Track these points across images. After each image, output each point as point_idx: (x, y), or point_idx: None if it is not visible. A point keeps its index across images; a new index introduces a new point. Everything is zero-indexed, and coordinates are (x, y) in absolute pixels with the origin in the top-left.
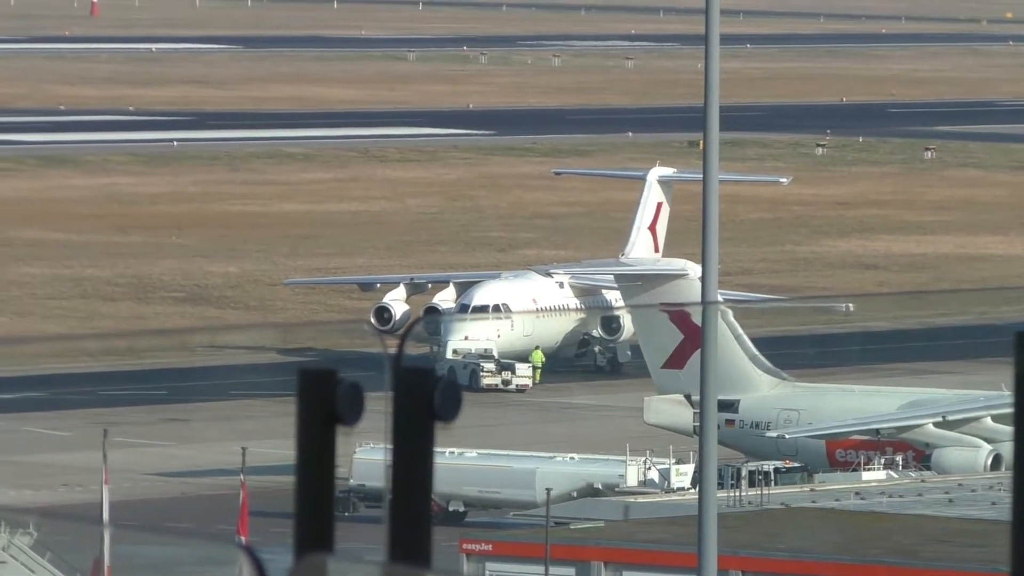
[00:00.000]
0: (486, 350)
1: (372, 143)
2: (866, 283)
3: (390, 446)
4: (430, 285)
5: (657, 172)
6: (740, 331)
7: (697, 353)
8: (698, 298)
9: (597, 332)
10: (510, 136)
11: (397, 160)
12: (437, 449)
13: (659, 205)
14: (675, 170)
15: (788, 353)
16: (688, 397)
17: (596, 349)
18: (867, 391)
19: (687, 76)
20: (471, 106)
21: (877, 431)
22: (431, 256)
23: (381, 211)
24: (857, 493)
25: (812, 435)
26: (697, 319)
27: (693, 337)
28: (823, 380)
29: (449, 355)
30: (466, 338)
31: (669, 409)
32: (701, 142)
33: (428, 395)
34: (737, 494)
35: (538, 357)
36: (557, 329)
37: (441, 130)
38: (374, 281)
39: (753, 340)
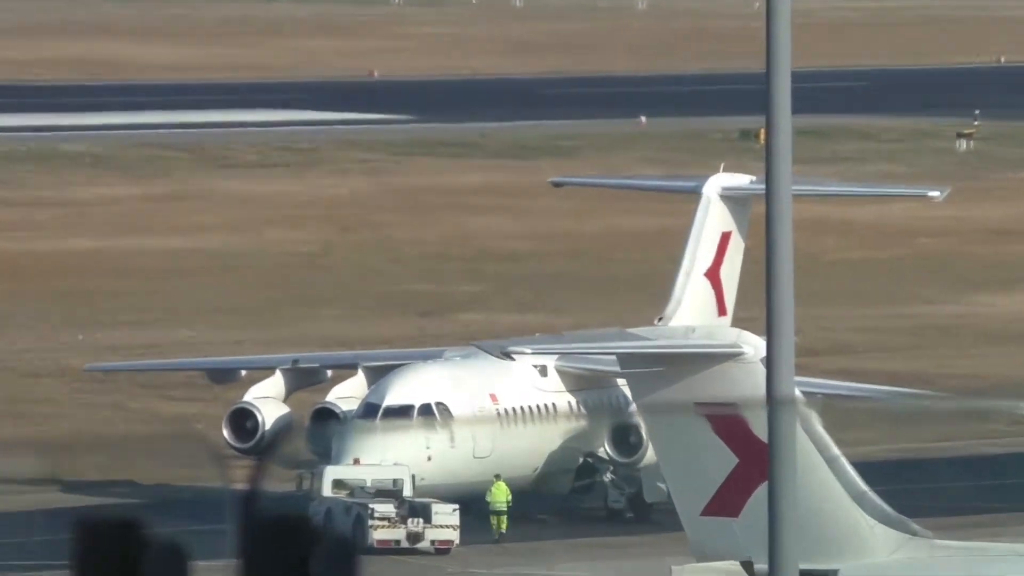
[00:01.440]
0: (395, 481)
1: (211, 137)
2: None
3: None
4: (330, 373)
5: (721, 181)
6: (836, 451)
7: (762, 488)
8: (762, 391)
9: (606, 451)
10: (441, 124)
11: (252, 165)
12: None
13: (725, 237)
14: (753, 178)
15: (924, 489)
16: (749, 565)
17: (606, 480)
18: None
19: (732, 23)
20: (376, 74)
21: None
22: (308, 325)
23: (223, 250)
24: None
25: None
26: (760, 429)
27: (754, 460)
28: (985, 536)
29: (327, 491)
30: (356, 461)
31: None
32: (762, 132)
33: (300, 563)
34: None
35: (500, 494)
36: (535, 447)
37: (327, 114)
38: (235, 366)
39: (858, 466)
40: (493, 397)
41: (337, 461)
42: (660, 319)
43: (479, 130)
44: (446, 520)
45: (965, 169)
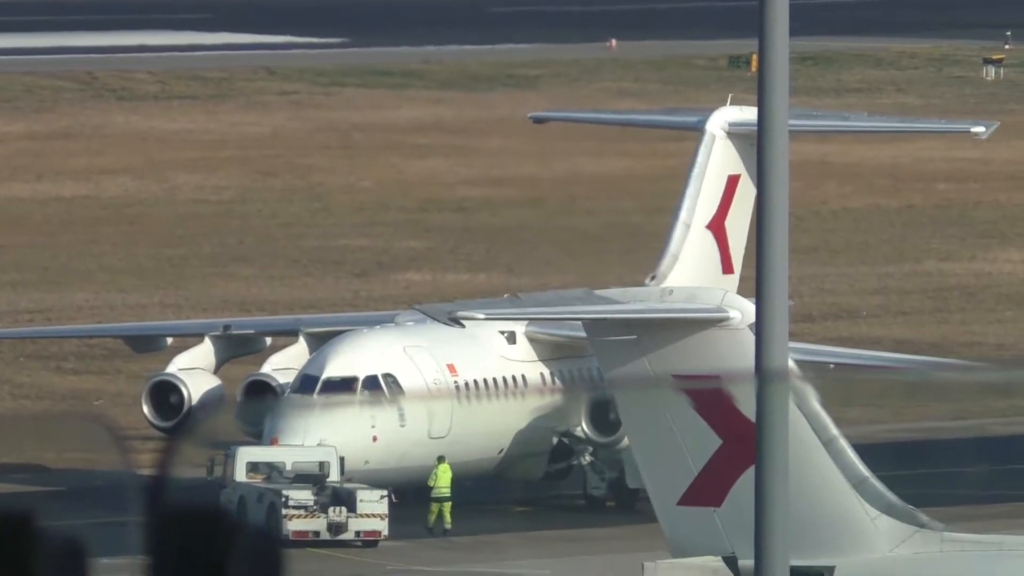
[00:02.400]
0: (321, 464)
1: (104, 63)
2: None
3: None
4: (269, 341)
5: (728, 115)
6: (834, 431)
7: (749, 474)
8: (750, 362)
9: (584, 430)
10: (377, 48)
11: (154, 97)
12: None
13: (732, 181)
14: None
15: (935, 475)
16: (732, 561)
17: (584, 463)
18: None
19: None
20: None
21: None
22: (223, 285)
23: (122, 197)
24: None
25: None
26: (747, 406)
27: (740, 442)
28: (1001, 528)
29: (240, 475)
30: (274, 442)
31: None
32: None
33: (215, 559)
34: None
35: (445, 478)
36: (500, 425)
37: (241, 37)
38: (159, 332)
39: (859, 449)
40: (451, 368)
41: (266, 441)
42: (653, 277)
43: (422, 55)
44: (373, 509)
45: (994, 102)
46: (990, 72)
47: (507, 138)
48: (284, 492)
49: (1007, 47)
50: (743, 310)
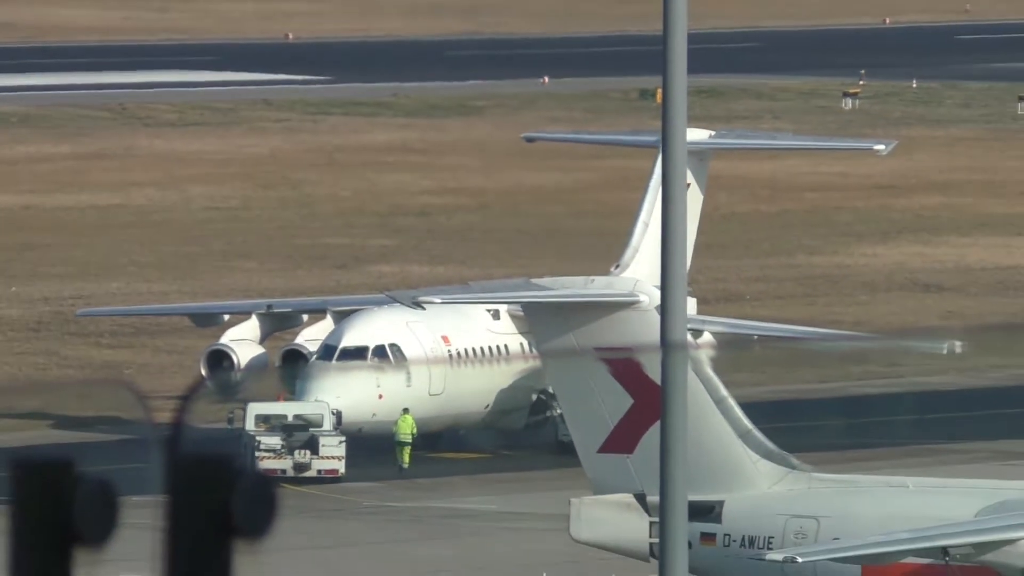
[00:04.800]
0: (335, 412)
1: (132, 97)
2: (924, 313)
3: None
4: (305, 317)
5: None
6: (724, 392)
7: (655, 427)
8: (656, 337)
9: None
10: (355, 84)
11: (172, 124)
12: None
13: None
14: (712, 133)
15: (801, 427)
16: (642, 498)
17: (557, 414)
18: (928, 486)
19: None
20: (291, 36)
21: (945, 551)
22: (230, 277)
23: (147, 205)
24: None
25: (840, 557)
26: (654, 372)
27: (648, 401)
28: (857, 469)
29: (250, 426)
30: (280, 397)
31: (611, 517)
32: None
33: (223, 499)
34: None
35: (406, 426)
36: (486, 385)
37: (244, 75)
38: (216, 310)
39: (744, 406)
40: (445, 339)
41: (299, 399)
42: (616, 267)
43: (392, 90)
44: (332, 452)
45: (851, 127)
46: (848, 103)
47: (460, 156)
48: (257, 437)
49: (861, 83)
50: (650, 295)
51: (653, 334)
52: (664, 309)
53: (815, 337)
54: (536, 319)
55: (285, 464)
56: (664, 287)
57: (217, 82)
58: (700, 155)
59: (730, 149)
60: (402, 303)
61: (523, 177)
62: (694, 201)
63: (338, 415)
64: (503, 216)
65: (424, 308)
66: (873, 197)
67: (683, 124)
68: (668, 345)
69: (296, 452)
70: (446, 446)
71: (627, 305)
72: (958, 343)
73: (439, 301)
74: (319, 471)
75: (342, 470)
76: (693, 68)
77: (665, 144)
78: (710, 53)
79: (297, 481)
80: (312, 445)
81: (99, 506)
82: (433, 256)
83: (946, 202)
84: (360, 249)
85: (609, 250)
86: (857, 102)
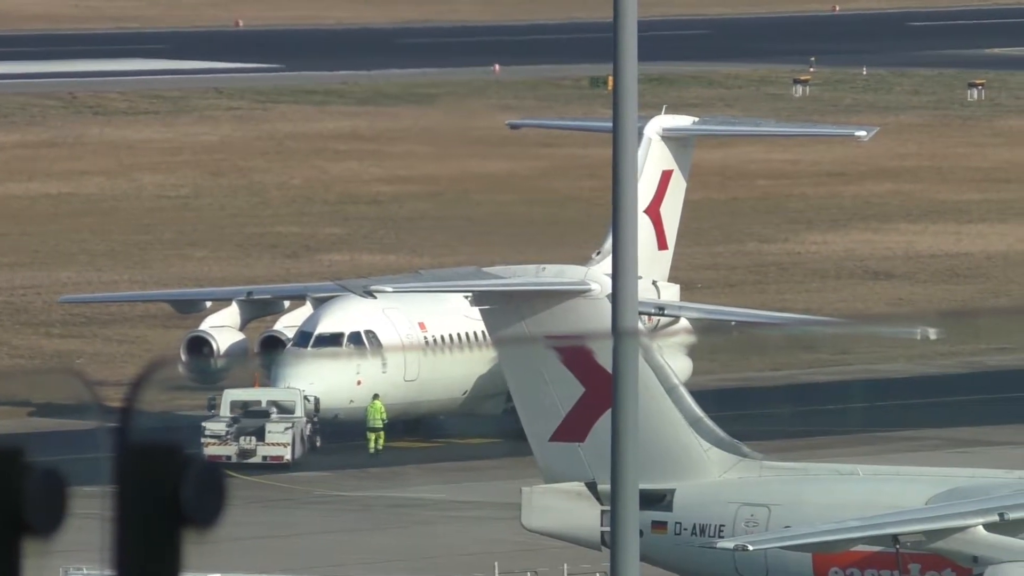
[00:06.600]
0: (309, 398)
1: (82, 85)
2: (874, 299)
3: (112, 571)
4: (287, 303)
5: (662, 122)
6: (675, 380)
7: (606, 415)
8: (607, 324)
9: None
10: (305, 72)
11: (124, 112)
12: None
13: (666, 175)
14: (695, 120)
15: (752, 414)
16: (593, 486)
17: None
18: (878, 474)
19: None
20: (241, 23)
21: (895, 538)
22: (181, 265)
23: (98, 194)
24: None
25: (791, 545)
26: (605, 360)
27: (599, 390)
28: (808, 457)
29: (225, 411)
30: (256, 383)
31: (562, 506)
32: (610, 80)
33: (171, 487)
34: None
35: (376, 412)
36: (464, 371)
37: (195, 63)
38: (196, 297)
39: (695, 394)
40: (422, 325)
41: (273, 385)
42: (599, 253)
43: (342, 78)
44: (278, 439)
45: (801, 114)
46: (798, 90)
47: (411, 144)
48: (202, 424)
49: (812, 70)
50: (602, 283)
51: (604, 322)
52: (615, 296)
53: (791, 323)
54: (486, 308)
55: (230, 450)
56: (615, 274)
57: (167, 70)
58: (683, 142)
59: (713, 136)
60: (353, 292)
61: (474, 165)
62: (678, 188)
63: (316, 402)
64: (455, 204)
65: (375, 297)
66: (823, 184)
67: (634, 112)
68: (619, 332)
69: (242, 439)
70: (425, 433)
71: (578, 293)
72: (931, 329)
73: (390, 290)
74: (264, 457)
75: (288, 456)
76: (643, 56)
77: (616, 131)
78: (660, 40)
79: (246, 469)
80: (258, 432)
81: (48, 496)
82: (384, 245)
83: (896, 189)
84: (311, 237)
85: (562, 237)
86: (808, 89)
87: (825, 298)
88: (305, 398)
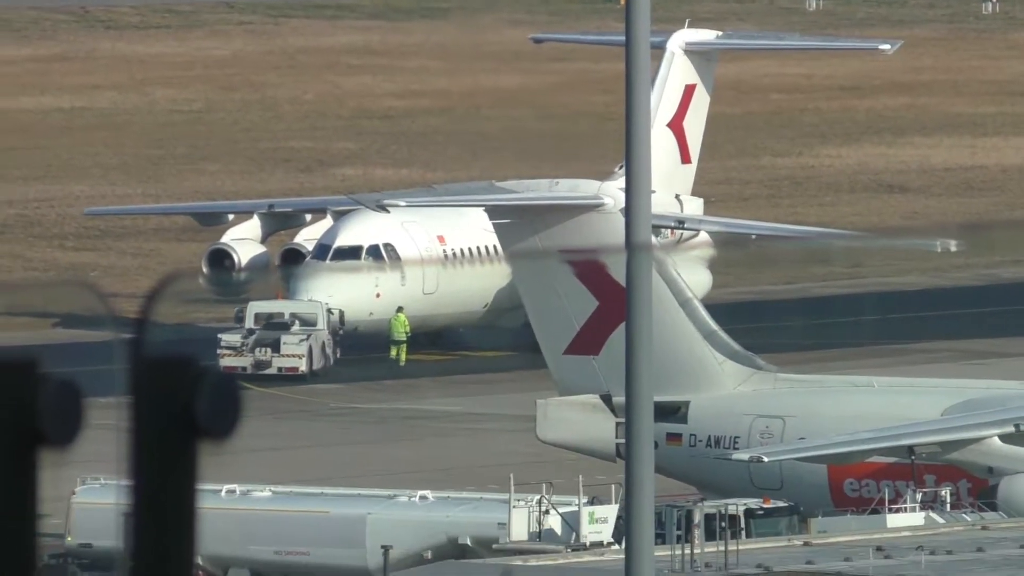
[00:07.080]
0: (334, 311)
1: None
2: (889, 213)
3: (128, 481)
4: (309, 216)
5: (685, 36)
6: (689, 293)
7: (620, 328)
8: (621, 239)
9: None
10: None
11: (135, 27)
12: (205, 487)
13: (689, 90)
14: (718, 34)
15: (766, 327)
16: (607, 398)
17: None
18: (893, 386)
19: None
20: None
21: (910, 449)
22: (194, 179)
23: (110, 108)
24: (880, 548)
25: (806, 456)
26: (618, 274)
27: (613, 303)
28: (822, 370)
29: (250, 323)
30: (279, 296)
31: (577, 418)
32: None
33: (186, 399)
34: (687, 552)
35: (400, 325)
36: (483, 284)
37: None
38: (218, 209)
39: (709, 307)
40: (441, 239)
41: (292, 297)
42: (621, 167)
43: None
44: (293, 350)
45: (815, 28)
46: (812, 4)
47: (424, 59)
48: (218, 335)
49: None
50: (615, 198)
51: (618, 237)
52: (628, 210)
53: (812, 236)
54: (500, 222)
55: (245, 361)
56: (629, 188)
57: None
58: (707, 56)
59: (737, 49)
60: (366, 206)
61: (487, 80)
62: (701, 102)
63: (340, 315)
64: (467, 119)
65: (388, 211)
66: (837, 98)
67: (646, 25)
68: (632, 246)
69: (257, 350)
70: (444, 345)
71: (591, 208)
72: (952, 241)
73: (404, 204)
74: (280, 368)
75: (303, 368)
76: None
77: (628, 46)
78: None
79: (261, 381)
80: (274, 343)
81: (64, 406)
82: (397, 159)
83: (910, 103)
84: (324, 152)
85: (575, 152)
86: (821, 3)
87: (839, 212)
88: (329, 311)
